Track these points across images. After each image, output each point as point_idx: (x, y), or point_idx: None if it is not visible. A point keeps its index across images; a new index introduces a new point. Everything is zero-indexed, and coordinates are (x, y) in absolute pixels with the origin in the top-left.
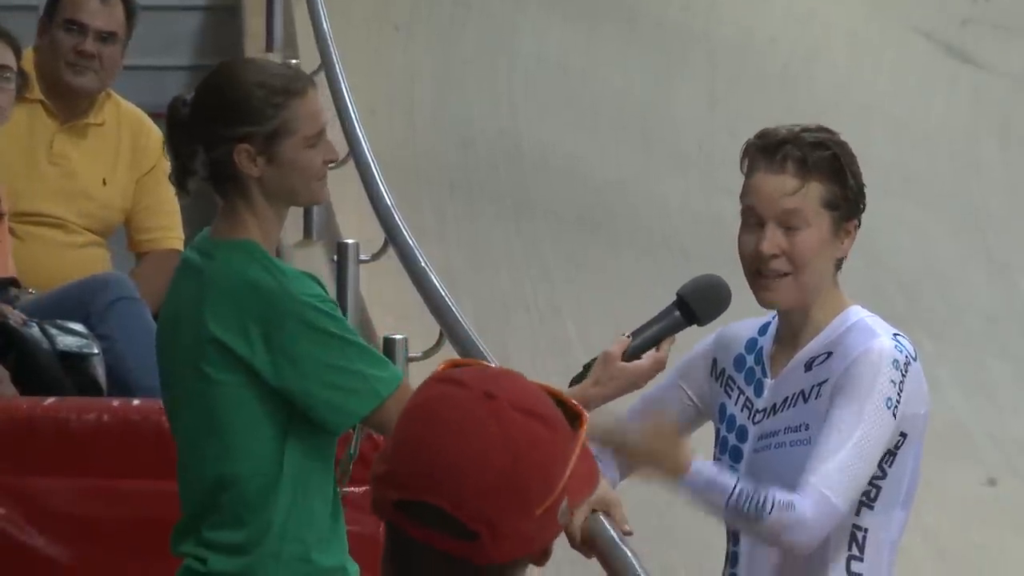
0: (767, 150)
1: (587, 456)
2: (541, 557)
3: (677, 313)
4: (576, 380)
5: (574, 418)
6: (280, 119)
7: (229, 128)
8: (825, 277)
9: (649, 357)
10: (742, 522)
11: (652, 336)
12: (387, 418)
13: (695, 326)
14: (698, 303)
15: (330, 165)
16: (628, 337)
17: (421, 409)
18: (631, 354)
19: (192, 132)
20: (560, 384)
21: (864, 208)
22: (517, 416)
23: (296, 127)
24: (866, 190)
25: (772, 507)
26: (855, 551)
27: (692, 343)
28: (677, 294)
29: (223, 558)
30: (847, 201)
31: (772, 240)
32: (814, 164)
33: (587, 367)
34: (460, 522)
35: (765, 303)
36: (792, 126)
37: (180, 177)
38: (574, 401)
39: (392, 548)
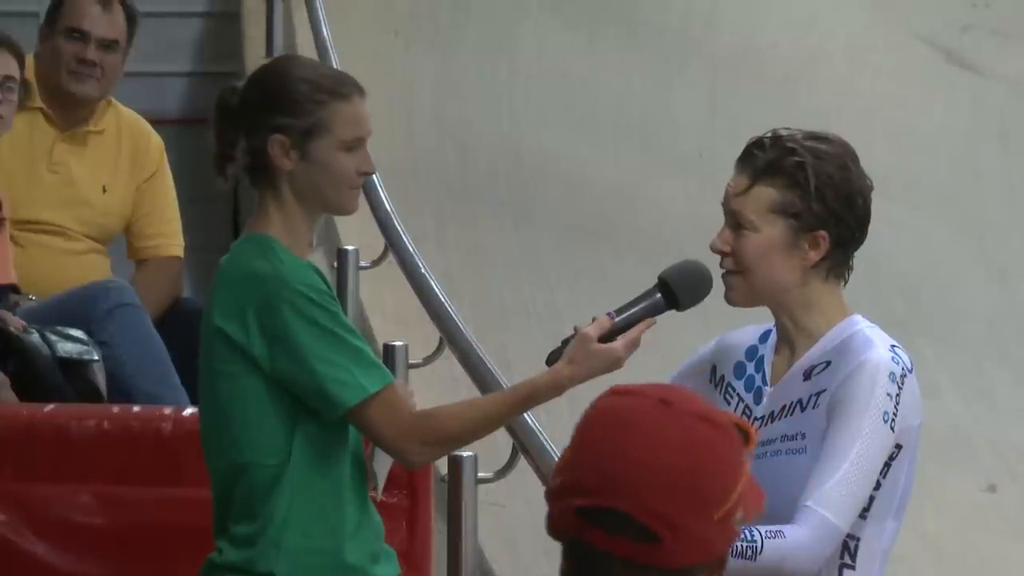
0: (745, 149)
1: (753, 477)
2: (718, 566)
3: (659, 296)
4: (554, 354)
5: (744, 434)
6: (318, 116)
7: (268, 117)
8: (787, 283)
9: (623, 339)
10: (740, 569)
11: (631, 318)
12: (371, 416)
13: (675, 312)
14: (679, 288)
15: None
16: (608, 316)
17: (600, 418)
18: (609, 334)
19: (237, 119)
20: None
21: (848, 221)
22: (693, 421)
23: (332, 128)
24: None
25: (761, 541)
26: (847, 560)
27: (688, 342)
28: (659, 277)
29: (236, 550)
30: (809, 212)
31: (721, 237)
32: (767, 168)
33: (565, 342)
34: (642, 525)
35: (726, 300)
36: (795, 130)
37: (220, 162)
38: (742, 420)
39: (572, 559)
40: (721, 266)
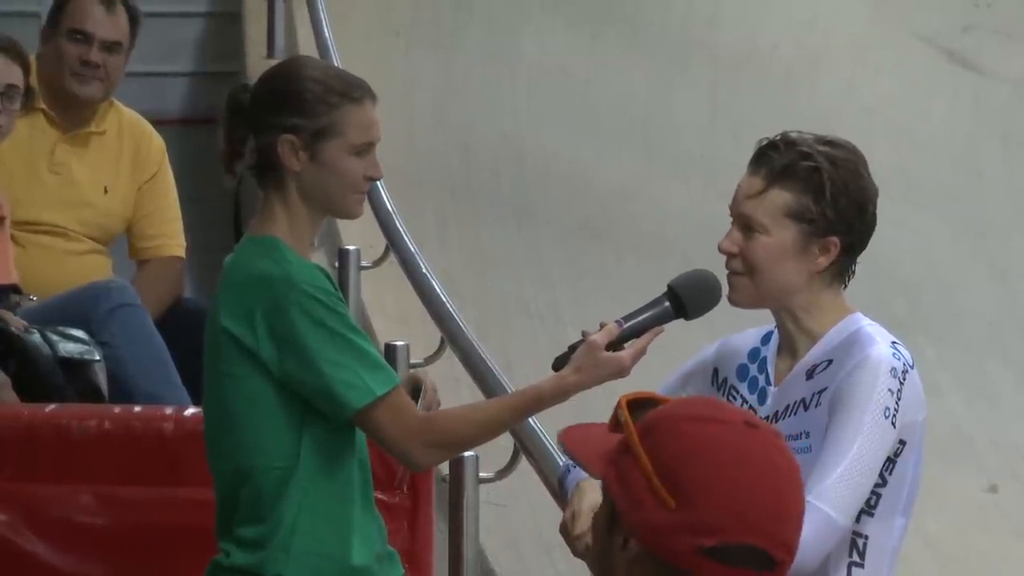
0: (759, 150)
1: None
2: None
3: (667, 304)
4: (560, 360)
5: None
6: (329, 118)
7: (279, 117)
8: (794, 286)
9: (631, 347)
10: None
11: (639, 325)
12: (378, 418)
13: (683, 320)
14: (688, 297)
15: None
16: (616, 324)
17: (697, 453)
18: (616, 341)
19: (247, 117)
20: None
21: (858, 228)
22: (781, 442)
23: (343, 131)
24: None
25: None
26: (856, 558)
27: (692, 344)
28: (668, 286)
29: (244, 552)
30: (823, 218)
31: (731, 238)
32: (783, 172)
33: (573, 348)
34: (768, 555)
35: (729, 300)
36: (806, 134)
37: (228, 160)
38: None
39: None
40: (727, 266)
